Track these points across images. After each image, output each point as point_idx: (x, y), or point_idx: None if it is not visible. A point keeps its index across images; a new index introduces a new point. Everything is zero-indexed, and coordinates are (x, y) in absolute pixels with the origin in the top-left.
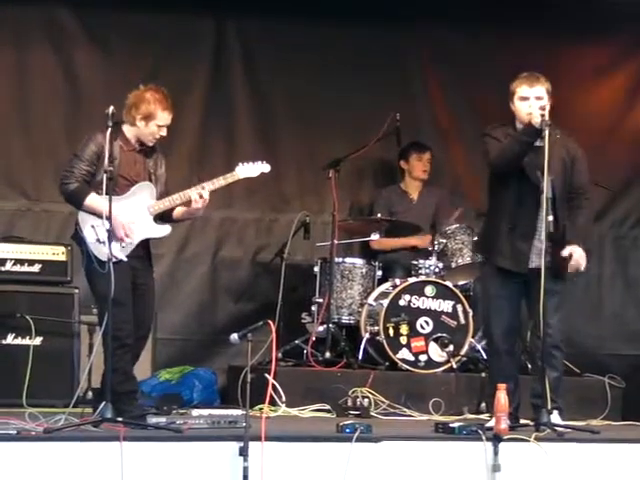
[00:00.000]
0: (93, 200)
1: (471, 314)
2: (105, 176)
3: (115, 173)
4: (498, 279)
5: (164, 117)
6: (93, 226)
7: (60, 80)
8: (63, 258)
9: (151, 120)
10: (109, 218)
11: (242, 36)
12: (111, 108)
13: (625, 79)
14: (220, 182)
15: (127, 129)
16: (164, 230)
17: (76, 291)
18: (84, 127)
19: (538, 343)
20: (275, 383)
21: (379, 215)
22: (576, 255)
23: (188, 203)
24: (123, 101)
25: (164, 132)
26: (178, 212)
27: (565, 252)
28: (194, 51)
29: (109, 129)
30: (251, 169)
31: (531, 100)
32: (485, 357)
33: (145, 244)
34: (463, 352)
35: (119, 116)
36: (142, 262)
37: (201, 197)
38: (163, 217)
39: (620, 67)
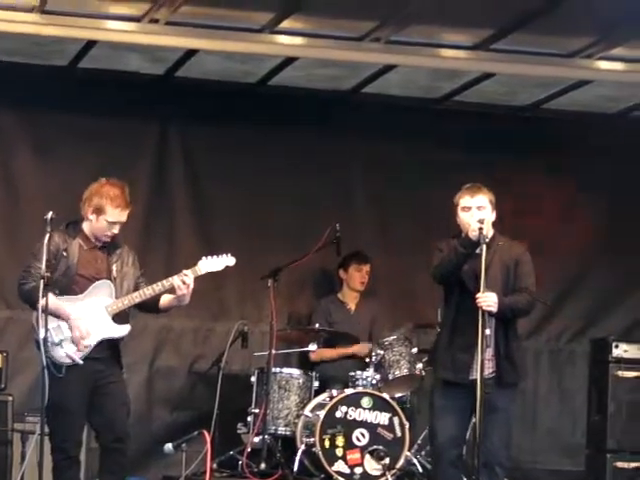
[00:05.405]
0: (49, 301)
1: (407, 427)
2: (42, 281)
3: (73, 272)
4: (443, 390)
5: (114, 214)
6: (48, 329)
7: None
8: None
9: (101, 214)
10: (45, 323)
11: (184, 140)
12: (50, 213)
13: (559, 197)
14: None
15: (85, 225)
16: (123, 330)
17: (10, 398)
18: (23, 231)
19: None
20: None
21: (317, 325)
22: (489, 295)
23: (171, 291)
24: (65, 203)
25: (116, 229)
26: (164, 301)
27: (480, 292)
28: (137, 153)
29: (47, 235)
30: (215, 263)
31: (473, 210)
32: (421, 470)
33: (111, 344)
34: (399, 465)
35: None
36: (106, 363)
37: (184, 283)
38: (148, 308)
39: (556, 186)
